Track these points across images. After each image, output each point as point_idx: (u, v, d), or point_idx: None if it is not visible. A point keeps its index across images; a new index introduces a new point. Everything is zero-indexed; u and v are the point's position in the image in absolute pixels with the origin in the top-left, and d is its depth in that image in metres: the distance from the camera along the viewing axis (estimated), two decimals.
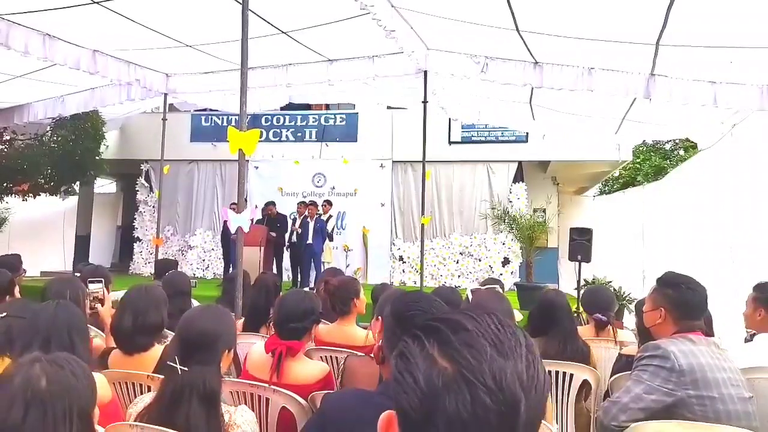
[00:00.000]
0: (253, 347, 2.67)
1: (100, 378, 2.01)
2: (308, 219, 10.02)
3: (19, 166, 10.79)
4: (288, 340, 2.43)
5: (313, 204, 10.30)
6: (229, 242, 10.24)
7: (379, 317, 1.92)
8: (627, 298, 7.75)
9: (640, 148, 19.24)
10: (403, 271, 11.90)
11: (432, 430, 0.67)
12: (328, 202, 10.75)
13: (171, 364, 1.79)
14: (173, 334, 2.03)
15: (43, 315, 2.10)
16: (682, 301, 2.21)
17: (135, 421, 1.77)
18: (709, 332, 2.76)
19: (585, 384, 2.88)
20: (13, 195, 11.58)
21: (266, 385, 2.32)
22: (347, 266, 11.41)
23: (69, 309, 2.17)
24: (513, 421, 0.67)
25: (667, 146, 20.74)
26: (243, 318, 3.82)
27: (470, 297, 2.69)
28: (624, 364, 2.83)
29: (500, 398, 0.66)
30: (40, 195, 11.89)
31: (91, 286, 2.97)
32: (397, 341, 1.59)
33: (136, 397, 2.22)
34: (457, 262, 11.80)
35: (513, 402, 0.67)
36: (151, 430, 1.68)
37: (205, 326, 1.87)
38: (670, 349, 2.08)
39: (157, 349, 2.56)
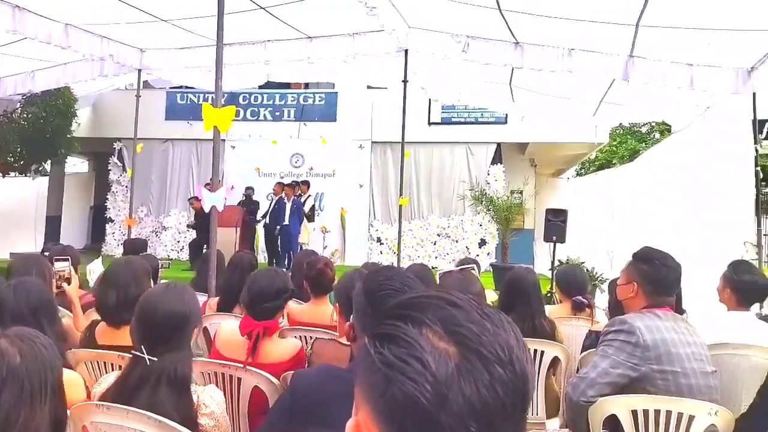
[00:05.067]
0: (222, 326, 2.63)
1: (75, 377, 1.96)
2: (285, 200, 9.95)
3: None
4: (262, 320, 2.41)
5: (290, 185, 10.23)
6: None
7: (338, 303, 1.90)
8: (599, 278, 7.89)
9: (617, 131, 19.45)
10: (381, 253, 11.92)
11: (447, 419, 0.59)
12: (306, 183, 10.65)
13: (138, 354, 1.72)
14: None
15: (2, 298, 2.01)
16: (654, 277, 2.23)
17: (98, 401, 1.74)
18: (678, 308, 2.80)
19: (555, 360, 2.92)
20: None
21: (238, 365, 2.30)
22: (325, 248, 11.38)
23: (28, 287, 2.07)
24: (525, 396, 0.64)
25: (644, 129, 21.00)
26: (217, 297, 3.78)
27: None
28: (593, 340, 2.87)
29: (515, 371, 0.62)
30: (9, 174, 11.60)
31: (57, 265, 2.89)
32: (370, 320, 1.58)
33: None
34: (435, 244, 11.85)
35: (524, 375, 0.63)
36: (117, 410, 1.65)
37: (173, 308, 1.78)
38: (636, 324, 2.11)
39: None
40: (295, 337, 2.93)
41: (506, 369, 0.62)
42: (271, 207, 10.15)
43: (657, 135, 19.98)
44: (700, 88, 5.33)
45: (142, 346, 1.73)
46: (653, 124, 19.39)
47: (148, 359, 1.71)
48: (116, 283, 2.51)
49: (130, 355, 1.82)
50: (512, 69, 6.58)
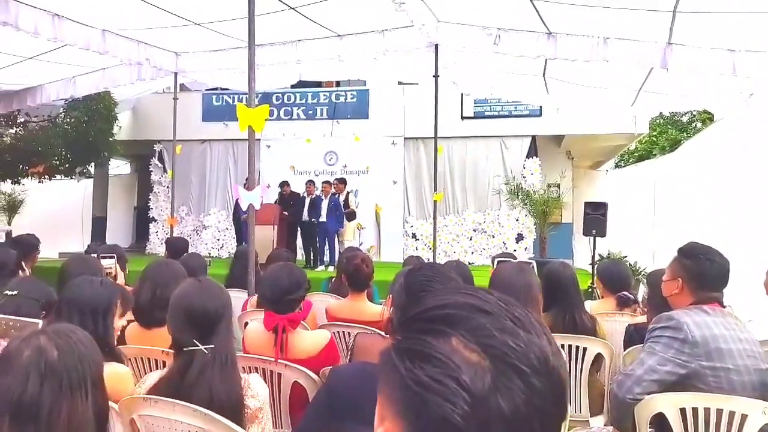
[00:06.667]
0: (249, 327, 2.66)
1: (124, 371, 2.02)
2: (322, 197, 10.03)
3: (34, 148, 10.90)
4: (285, 313, 2.44)
5: (328, 183, 10.30)
6: (240, 221, 10.29)
7: (391, 295, 1.89)
8: (642, 273, 7.71)
9: (657, 121, 18.91)
10: (416, 249, 11.88)
11: None
12: (341, 181, 10.65)
13: (193, 348, 1.79)
14: None
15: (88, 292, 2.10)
16: (699, 272, 2.17)
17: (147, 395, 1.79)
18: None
19: (598, 357, 2.86)
20: (29, 177, 11.72)
21: (269, 358, 2.33)
22: (360, 244, 11.41)
23: (94, 285, 2.15)
24: (564, 402, 0.62)
25: (685, 118, 20.35)
26: (256, 295, 3.83)
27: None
28: (633, 334, 2.81)
29: (551, 380, 0.61)
30: (55, 177, 12.02)
31: (104, 262, 3.01)
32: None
33: (151, 371, 2.23)
34: (471, 239, 11.75)
35: (561, 381, 0.62)
36: (165, 403, 1.70)
37: (216, 300, 1.90)
38: (683, 320, 2.06)
39: None
40: (335, 332, 2.95)
41: (542, 379, 0.60)
42: (306, 204, 10.22)
43: (699, 124, 19.33)
44: (743, 75, 5.15)
45: (194, 340, 1.80)
46: (695, 112, 18.77)
47: (205, 349, 1.78)
48: (153, 281, 2.59)
49: (173, 351, 1.88)
50: (545, 60, 6.48)
